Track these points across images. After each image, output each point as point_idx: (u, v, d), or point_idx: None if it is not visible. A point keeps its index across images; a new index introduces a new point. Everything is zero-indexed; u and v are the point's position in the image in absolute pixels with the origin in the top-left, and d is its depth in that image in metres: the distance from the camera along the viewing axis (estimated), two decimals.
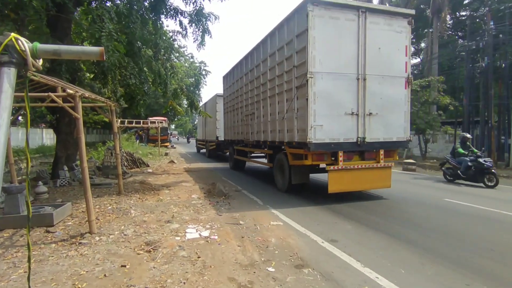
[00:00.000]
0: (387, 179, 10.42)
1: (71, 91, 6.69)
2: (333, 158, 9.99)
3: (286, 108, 10.92)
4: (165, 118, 39.00)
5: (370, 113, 10.09)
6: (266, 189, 11.80)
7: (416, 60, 35.35)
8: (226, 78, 19.27)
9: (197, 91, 63.34)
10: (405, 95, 10.39)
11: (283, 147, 11.30)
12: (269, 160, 13.28)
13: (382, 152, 10.26)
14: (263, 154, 14.85)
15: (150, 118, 36.16)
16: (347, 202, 9.62)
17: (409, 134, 10.60)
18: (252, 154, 15.77)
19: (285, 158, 11.24)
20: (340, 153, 9.84)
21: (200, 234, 6.63)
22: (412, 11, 10.42)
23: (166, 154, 24.74)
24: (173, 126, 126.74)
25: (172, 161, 20.14)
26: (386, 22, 10.15)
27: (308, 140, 9.51)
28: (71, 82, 11.12)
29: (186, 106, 45.64)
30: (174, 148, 40.57)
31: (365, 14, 9.90)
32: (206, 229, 6.91)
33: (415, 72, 31.96)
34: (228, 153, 20.09)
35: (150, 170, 15.86)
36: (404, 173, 16.35)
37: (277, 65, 11.69)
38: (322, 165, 10.67)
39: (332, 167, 9.84)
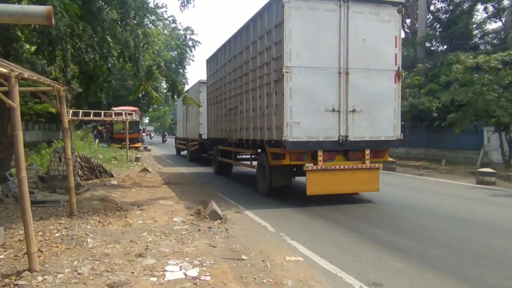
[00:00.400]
0: (375, 181, 12.69)
1: (3, 70, 6.61)
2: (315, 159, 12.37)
3: (266, 104, 13.19)
4: (136, 109, 39.98)
5: (354, 110, 12.30)
6: (273, 206, 11.73)
7: (497, 25, 34.20)
8: (210, 62, 21.42)
9: (180, 70, 61.82)
10: (394, 89, 12.65)
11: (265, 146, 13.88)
12: (253, 161, 15.81)
13: (368, 152, 12.58)
14: (249, 155, 17.00)
15: (114, 108, 36.33)
16: (395, 230, 9.59)
17: (399, 133, 12.84)
18: (239, 156, 18.09)
19: (266, 158, 13.59)
20: (320, 153, 12.13)
21: (185, 274, 6.51)
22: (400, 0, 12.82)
23: (138, 159, 25.92)
24: (146, 120, 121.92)
25: (145, 169, 20.07)
26: (372, 11, 12.32)
27: (283, 138, 11.76)
28: (4, 57, 10.89)
29: (165, 90, 44.19)
30: (149, 150, 40.94)
31: (347, 3, 12.14)
32: (194, 267, 6.77)
33: (495, 41, 31.04)
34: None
35: (114, 182, 15.68)
36: (479, 188, 16.14)
37: (258, 55, 13.99)
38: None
39: (310, 167, 12.06)
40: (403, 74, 13.17)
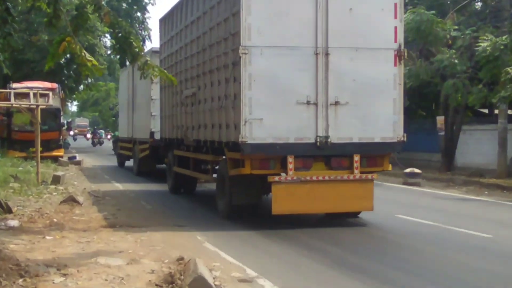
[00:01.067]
0: (367, 197, 10.32)
1: None
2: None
3: (224, 93, 10.78)
4: (54, 86, 26.09)
5: (337, 102, 10.01)
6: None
7: None
8: (164, 24, 17.13)
9: (137, 14, 44.26)
10: (394, 74, 10.25)
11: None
12: (213, 170, 12.92)
13: (357, 158, 10.17)
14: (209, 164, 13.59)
15: (14, 85, 23.86)
16: (395, 263, 8.07)
17: (402, 132, 10.38)
18: (204, 167, 14.02)
19: (225, 167, 11.09)
20: (290, 159, 9.86)
21: None
22: None
23: (58, 179, 18.26)
24: (74, 107, 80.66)
25: (72, 199, 14.42)
26: None
27: (240, 139, 9.66)
28: None
29: (109, 52, 34.93)
30: (78, 162, 27.49)
31: None
32: None
33: None
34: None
35: (14, 223, 10.77)
36: None
37: (216, 25, 11.52)
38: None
39: (277, 178, 9.92)
40: (405, 53, 10.61)
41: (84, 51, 10.46)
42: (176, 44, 15.55)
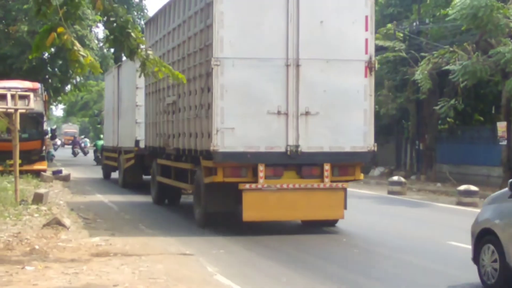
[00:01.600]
0: (338, 206, 12.30)
1: None
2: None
3: (200, 102, 12.87)
4: (36, 86, 25.86)
5: (307, 112, 11.90)
6: None
7: None
8: (149, 27, 19.45)
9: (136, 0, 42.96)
10: (365, 85, 12.20)
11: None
12: (191, 179, 14.51)
13: (328, 167, 11.98)
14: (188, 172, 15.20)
15: None
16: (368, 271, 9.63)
17: (372, 142, 12.28)
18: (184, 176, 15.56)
19: (201, 175, 13.03)
20: (261, 167, 11.76)
21: None
22: None
23: (40, 197, 18.00)
24: (59, 110, 75.14)
25: (57, 222, 14.31)
26: None
27: (212, 148, 11.63)
28: None
29: (101, 44, 35.25)
30: (65, 178, 27.40)
31: None
32: None
33: None
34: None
35: None
36: None
37: (193, 35, 13.66)
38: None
39: (248, 186, 11.79)
40: (376, 65, 12.57)
41: (78, 45, 10.39)
42: (159, 49, 17.10)
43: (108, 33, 11.28)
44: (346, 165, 12.39)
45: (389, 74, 30.04)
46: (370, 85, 12.36)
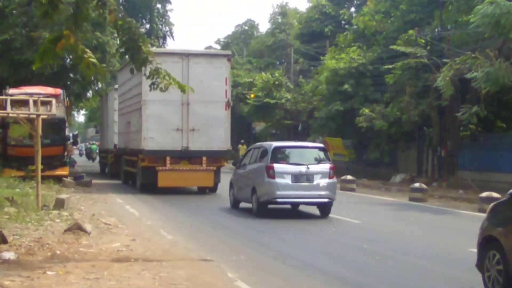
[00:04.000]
0: (210, 179, 23.21)
1: None
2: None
3: (137, 123, 23.51)
4: (58, 91, 25.66)
5: (193, 129, 22.23)
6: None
7: None
8: (121, 73, 29.82)
9: (158, 5, 41.35)
10: (225, 115, 22.74)
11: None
12: (136, 166, 25.42)
13: (205, 158, 22.38)
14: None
15: (11, 91, 24.29)
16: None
17: (229, 145, 23.33)
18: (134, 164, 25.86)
19: (138, 162, 23.92)
20: (168, 158, 22.21)
21: None
22: (229, 52, 25.93)
23: (61, 203, 17.65)
24: (81, 116, 72.44)
25: (78, 227, 13.81)
26: (207, 61, 22.68)
27: (142, 147, 22.27)
28: None
29: (118, 47, 32.98)
30: (86, 182, 27.04)
31: (188, 57, 22.16)
32: None
33: None
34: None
35: (10, 255, 10.59)
36: None
37: (135, 86, 24.51)
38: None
39: (161, 168, 22.31)
40: (231, 103, 23.68)
41: (87, 50, 10.17)
42: (123, 89, 28.28)
43: (119, 45, 11.32)
44: (215, 157, 22.97)
45: (410, 80, 29.71)
46: (228, 115, 23.06)
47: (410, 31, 30.21)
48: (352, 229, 15.70)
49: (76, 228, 13.64)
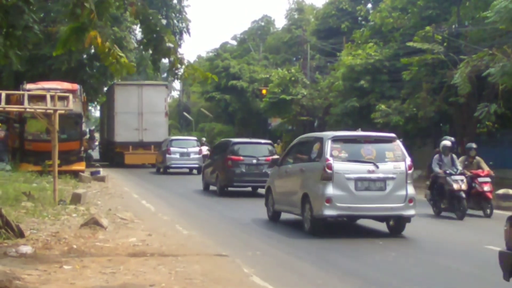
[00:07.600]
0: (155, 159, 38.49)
1: None
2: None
3: (112, 124, 41.05)
4: (75, 87, 25.63)
5: (145, 129, 38.74)
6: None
7: None
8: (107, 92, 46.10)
9: (174, 1, 43.02)
10: (164, 120, 39.72)
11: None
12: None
13: (152, 146, 38.38)
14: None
15: (29, 86, 24.03)
16: None
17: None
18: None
19: (114, 149, 39.98)
20: (131, 146, 38.06)
21: None
22: (166, 83, 46.69)
23: (78, 198, 17.66)
24: (98, 112, 67.13)
25: (94, 221, 13.88)
26: (154, 89, 39.86)
27: (115, 139, 39.35)
28: None
29: (137, 44, 37.86)
30: (102, 177, 26.61)
31: (142, 86, 39.73)
32: None
33: None
34: None
35: (27, 249, 10.50)
36: None
37: (111, 100, 42.11)
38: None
39: (126, 152, 38.11)
40: (168, 114, 41.74)
41: (111, 44, 10.25)
42: (107, 104, 43.02)
43: (145, 28, 11.19)
44: (159, 146, 35.62)
45: (427, 76, 29.56)
46: (166, 119, 39.75)
47: (427, 28, 30.03)
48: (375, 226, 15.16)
49: (93, 223, 13.59)
